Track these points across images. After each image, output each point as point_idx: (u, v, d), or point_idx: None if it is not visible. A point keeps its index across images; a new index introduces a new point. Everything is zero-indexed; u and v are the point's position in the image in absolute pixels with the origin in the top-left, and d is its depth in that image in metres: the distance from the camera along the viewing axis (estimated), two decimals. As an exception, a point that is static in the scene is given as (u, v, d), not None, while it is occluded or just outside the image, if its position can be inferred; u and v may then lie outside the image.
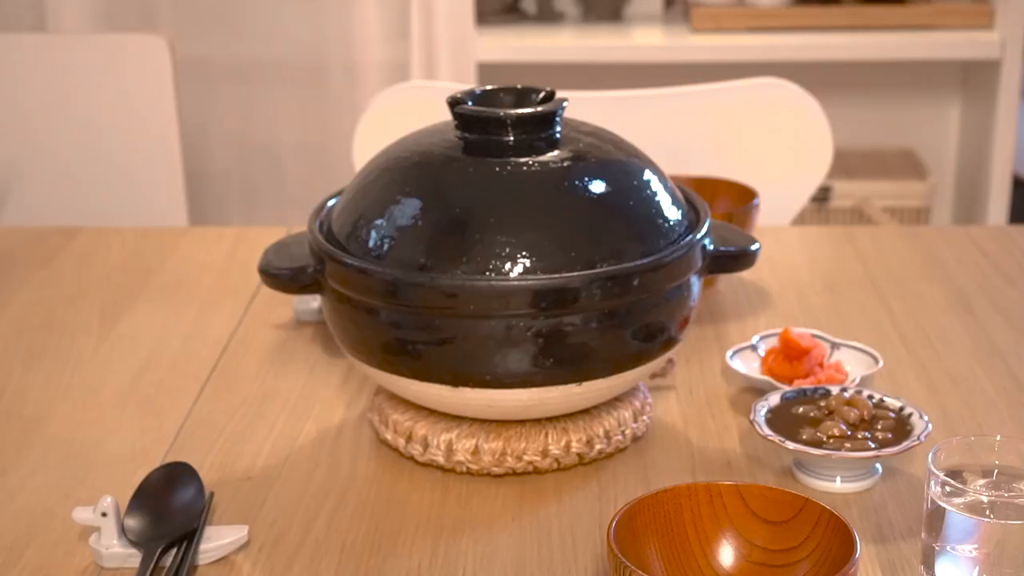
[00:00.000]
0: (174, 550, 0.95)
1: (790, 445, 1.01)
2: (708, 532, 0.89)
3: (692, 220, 1.09)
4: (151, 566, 0.92)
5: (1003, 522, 0.86)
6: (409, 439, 1.06)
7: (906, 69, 2.84)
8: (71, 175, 2.00)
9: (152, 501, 0.97)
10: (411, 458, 1.08)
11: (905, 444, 1.01)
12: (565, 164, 1.03)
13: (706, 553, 0.89)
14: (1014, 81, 2.53)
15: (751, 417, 1.05)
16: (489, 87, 1.11)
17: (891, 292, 1.39)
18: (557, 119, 1.06)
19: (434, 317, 0.99)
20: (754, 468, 1.06)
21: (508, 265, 0.98)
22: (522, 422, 1.06)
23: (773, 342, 1.20)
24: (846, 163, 2.76)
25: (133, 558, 0.94)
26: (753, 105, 1.78)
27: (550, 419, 1.06)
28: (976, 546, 0.86)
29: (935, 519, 0.88)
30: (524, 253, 0.98)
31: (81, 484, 1.05)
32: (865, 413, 1.05)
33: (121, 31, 2.52)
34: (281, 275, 1.07)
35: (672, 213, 1.05)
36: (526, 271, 0.98)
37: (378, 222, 1.02)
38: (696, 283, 1.06)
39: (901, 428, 1.04)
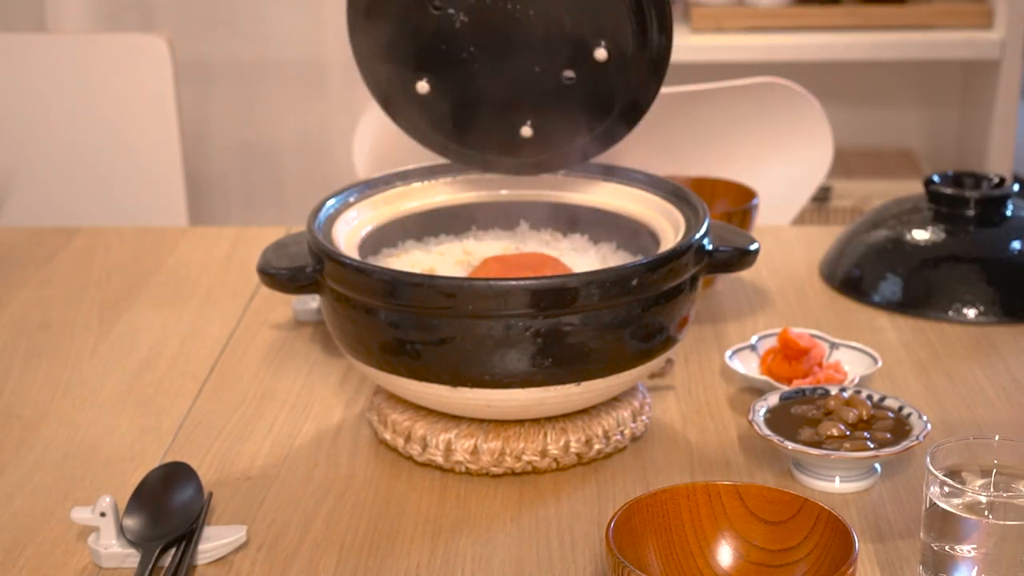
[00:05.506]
0: (173, 550, 0.95)
1: (789, 445, 1.01)
2: (707, 532, 0.89)
3: (691, 220, 1.09)
4: (150, 566, 0.92)
5: (1002, 522, 0.86)
6: (408, 439, 1.06)
7: (906, 69, 2.84)
8: (71, 175, 2.00)
9: (151, 501, 0.97)
10: (410, 458, 1.08)
11: (904, 444, 1.01)
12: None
13: (705, 553, 0.89)
14: (1013, 81, 2.53)
15: (750, 417, 1.05)
16: None
17: (890, 292, 1.39)
18: None
19: (433, 317, 0.99)
20: (753, 468, 1.06)
21: (507, 265, 0.98)
22: (521, 422, 1.06)
23: (772, 342, 1.20)
24: (846, 163, 2.76)
25: (132, 558, 0.94)
26: (753, 105, 1.78)
27: (549, 419, 1.06)
28: (975, 546, 0.86)
29: (934, 519, 0.88)
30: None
31: (80, 484, 1.05)
32: (864, 413, 1.05)
33: (121, 31, 2.52)
34: (280, 275, 1.07)
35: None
36: (525, 271, 0.98)
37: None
38: (695, 283, 1.06)
39: (900, 428, 1.04)
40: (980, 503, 0.88)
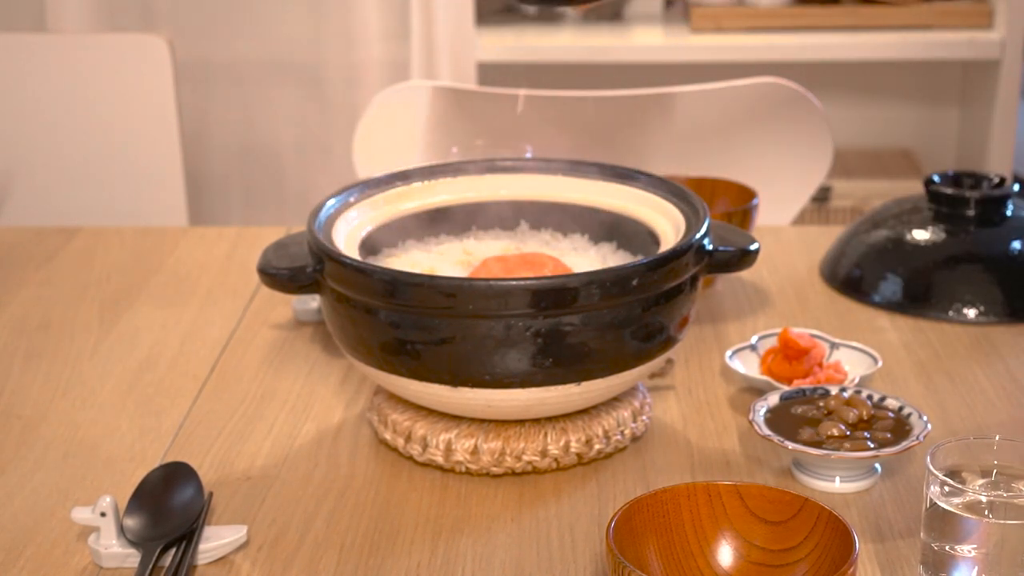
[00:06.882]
0: (173, 550, 0.95)
1: (789, 445, 1.01)
2: (707, 532, 0.89)
3: (691, 220, 1.09)
4: (150, 566, 0.92)
5: (1002, 522, 0.86)
6: (408, 439, 1.06)
7: (906, 69, 2.84)
8: (71, 175, 2.00)
9: (151, 501, 0.97)
10: (410, 458, 1.08)
11: (904, 444, 1.01)
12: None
13: (705, 553, 0.89)
14: (1013, 81, 2.53)
15: (750, 417, 1.05)
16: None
17: (890, 292, 1.39)
18: None
19: (433, 317, 0.99)
20: (753, 468, 1.06)
21: (507, 265, 0.98)
22: (521, 422, 1.06)
23: (772, 342, 1.20)
24: (846, 163, 2.76)
25: (132, 558, 0.94)
26: (753, 105, 1.78)
27: (549, 419, 1.06)
28: (975, 546, 0.86)
29: (934, 519, 0.88)
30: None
31: (80, 484, 1.05)
32: (864, 413, 1.05)
33: (121, 31, 2.52)
34: (280, 275, 1.07)
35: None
36: (525, 271, 0.98)
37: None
38: (695, 283, 1.06)
39: (900, 428, 1.04)
40: (980, 503, 0.88)
